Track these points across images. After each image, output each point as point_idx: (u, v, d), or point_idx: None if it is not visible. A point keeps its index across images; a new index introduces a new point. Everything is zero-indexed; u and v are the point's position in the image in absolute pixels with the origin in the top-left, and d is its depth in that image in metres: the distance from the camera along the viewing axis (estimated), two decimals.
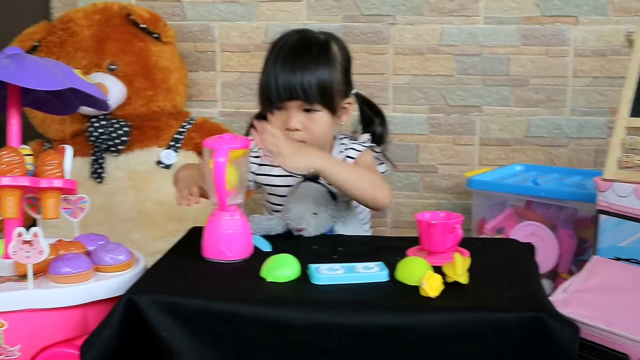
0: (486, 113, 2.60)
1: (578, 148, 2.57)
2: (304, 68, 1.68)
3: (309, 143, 1.73)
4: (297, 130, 1.72)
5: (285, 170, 1.80)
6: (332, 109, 1.72)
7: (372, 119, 1.84)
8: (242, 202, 1.60)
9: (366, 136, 1.81)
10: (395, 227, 2.67)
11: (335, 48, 1.75)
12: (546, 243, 2.23)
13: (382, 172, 1.84)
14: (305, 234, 1.70)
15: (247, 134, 1.86)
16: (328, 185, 1.76)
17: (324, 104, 1.70)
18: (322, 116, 1.72)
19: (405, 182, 2.65)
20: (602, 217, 1.81)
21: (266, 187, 1.84)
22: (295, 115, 1.71)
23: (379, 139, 1.83)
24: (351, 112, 1.81)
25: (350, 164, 1.70)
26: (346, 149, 1.79)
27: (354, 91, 1.82)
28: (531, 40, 2.54)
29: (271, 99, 1.70)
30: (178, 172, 1.79)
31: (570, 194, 2.21)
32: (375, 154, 1.82)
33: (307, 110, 1.71)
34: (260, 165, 1.83)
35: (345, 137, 1.83)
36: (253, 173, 1.83)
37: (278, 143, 1.55)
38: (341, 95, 1.75)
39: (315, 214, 1.71)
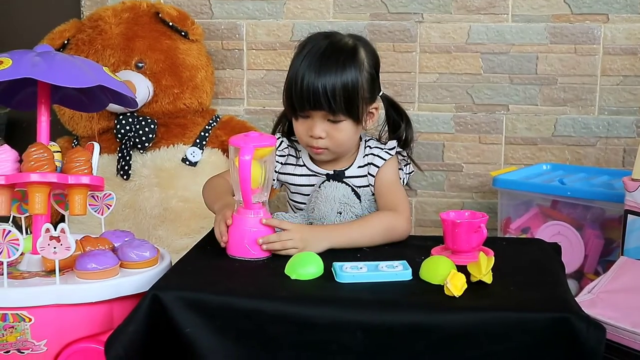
0: (513, 112, 2.58)
1: (606, 147, 2.55)
2: (330, 78, 1.66)
3: (332, 150, 1.73)
4: (320, 138, 1.71)
5: (309, 170, 1.81)
6: (357, 118, 1.71)
7: (399, 123, 1.83)
8: (267, 200, 1.61)
9: (393, 142, 1.79)
10: (419, 226, 2.66)
11: (362, 54, 1.73)
12: (572, 243, 2.21)
13: (408, 173, 1.83)
14: None
15: (273, 132, 1.87)
16: (353, 185, 1.76)
17: (348, 114, 1.69)
18: (346, 125, 1.71)
19: (430, 180, 2.64)
20: (631, 217, 1.79)
21: (290, 186, 1.84)
22: (319, 124, 1.70)
23: (404, 143, 1.82)
24: (377, 116, 1.79)
25: (359, 222, 1.67)
26: (372, 155, 1.78)
27: (380, 93, 1.81)
28: (560, 39, 2.52)
29: (295, 106, 1.70)
30: (208, 188, 1.78)
31: (597, 193, 2.19)
32: (402, 157, 1.81)
33: (332, 121, 1.70)
34: (283, 164, 1.83)
35: (371, 139, 1.82)
36: (276, 172, 1.83)
37: (285, 242, 1.56)
38: (367, 102, 1.74)
39: (339, 213, 1.71)
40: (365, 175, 1.78)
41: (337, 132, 1.71)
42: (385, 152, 1.77)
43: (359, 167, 1.79)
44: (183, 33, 2.47)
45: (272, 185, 1.85)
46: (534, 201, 2.32)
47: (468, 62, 2.57)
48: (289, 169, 1.83)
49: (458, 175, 2.63)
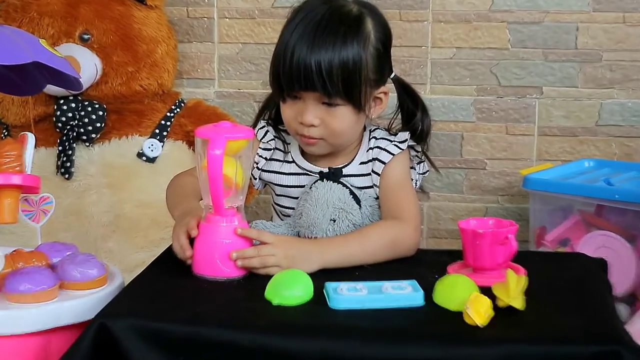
0: (547, 95, 2.58)
1: None
2: (326, 53, 1.65)
3: (329, 142, 1.72)
4: (313, 126, 1.70)
5: (299, 167, 1.80)
6: (358, 104, 1.70)
7: (413, 112, 1.81)
8: (243, 204, 1.60)
9: (405, 134, 1.78)
10: (432, 237, 2.66)
11: (369, 25, 1.71)
12: (622, 258, 2.21)
13: (422, 173, 1.83)
14: None
15: (257, 119, 1.86)
16: (352, 186, 1.75)
17: (347, 98, 1.68)
18: (344, 112, 1.70)
19: (445, 181, 2.64)
20: None
21: (275, 186, 1.84)
22: (311, 108, 1.69)
23: (419, 136, 1.81)
24: (386, 103, 1.78)
25: (358, 234, 1.67)
26: (378, 149, 1.77)
27: (392, 75, 1.80)
28: (605, 5, 2.52)
29: (283, 86, 1.69)
30: (172, 188, 1.78)
31: None
32: (415, 153, 1.80)
33: (327, 104, 1.69)
34: (268, 160, 1.82)
35: (378, 129, 1.81)
36: (259, 169, 1.82)
37: (266, 258, 1.55)
38: (373, 86, 1.73)
39: (333, 220, 1.70)
40: (369, 174, 1.77)
41: (333, 118, 1.70)
42: (395, 145, 1.77)
43: (362, 163, 1.78)
44: None
45: (254, 186, 1.85)
46: (574, 206, 2.32)
47: (492, 33, 2.57)
48: (275, 165, 1.82)
49: (480, 174, 2.63)
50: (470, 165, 2.64)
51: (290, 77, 1.67)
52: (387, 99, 1.78)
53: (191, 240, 1.58)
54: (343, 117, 1.70)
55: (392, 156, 1.76)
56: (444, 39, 2.59)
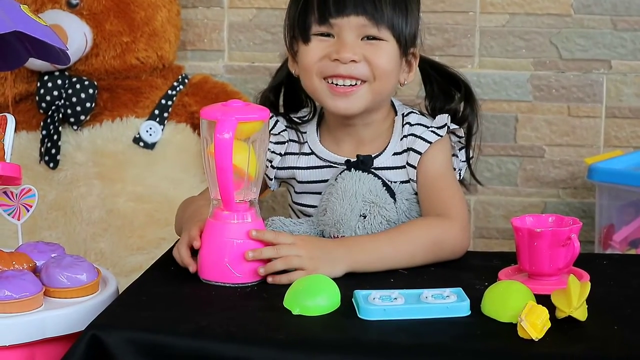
0: (617, 70, 2.57)
1: None
2: None
3: (372, 87, 1.71)
4: (353, 62, 1.70)
5: (320, 158, 1.80)
6: (405, 41, 1.71)
7: (449, 93, 1.82)
8: (257, 198, 1.61)
9: (444, 118, 1.78)
10: (481, 237, 2.66)
11: None
12: None
13: (466, 160, 1.83)
14: None
15: (263, 102, 1.87)
16: (384, 173, 1.76)
17: (396, 28, 1.70)
18: (389, 48, 1.71)
19: (497, 171, 2.64)
20: None
21: (294, 184, 1.84)
22: (351, 42, 1.69)
23: (460, 119, 1.82)
24: (415, 67, 1.79)
25: (392, 233, 1.67)
26: (412, 136, 1.77)
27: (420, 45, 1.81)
28: None
29: (314, 16, 1.69)
30: (182, 208, 1.79)
31: None
32: (457, 138, 1.81)
33: (370, 38, 1.70)
34: (283, 155, 1.83)
35: (412, 112, 1.82)
36: (274, 167, 1.83)
37: (289, 259, 1.55)
38: (415, 28, 1.74)
39: (363, 216, 1.71)
40: (404, 167, 1.77)
41: (377, 54, 1.70)
42: (432, 131, 1.77)
43: (395, 154, 1.78)
44: None
45: (269, 187, 1.86)
46: None
47: None
48: (291, 160, 1.83)
49: (538, 163, 2.63)
50: (526, 153, 2.64)
51: (327, 2, 1.67)
52: (417, 64, 1.79)
53: (196, 252, 1.59)
54: (388, 53, 1.71)
55: (429, 145, 1.76)
56: (495, 3, 2.58)
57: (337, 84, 1.71)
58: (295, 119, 1.84)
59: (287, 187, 1.89)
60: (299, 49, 1.75)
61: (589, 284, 1.42)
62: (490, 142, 2.60)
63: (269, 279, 1.56)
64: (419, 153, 1.76)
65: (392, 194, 1.74)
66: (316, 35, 1.71)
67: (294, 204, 1.87)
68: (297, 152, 1.83)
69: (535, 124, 2.62)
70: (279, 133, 1.82)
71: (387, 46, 1.71)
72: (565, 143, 2.61)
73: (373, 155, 1.78)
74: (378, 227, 1.71)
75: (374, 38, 1.70)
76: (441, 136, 1.77)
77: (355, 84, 1.71)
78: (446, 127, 1.78)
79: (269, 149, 1.81)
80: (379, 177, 1.75)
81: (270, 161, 1.82)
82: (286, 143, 1.83)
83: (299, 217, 1.85)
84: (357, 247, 1.63)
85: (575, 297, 1.38)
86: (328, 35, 1.71)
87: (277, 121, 1.83)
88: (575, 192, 2.61)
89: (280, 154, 1.83)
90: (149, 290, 1.55)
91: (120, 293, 1.57)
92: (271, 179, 1.85)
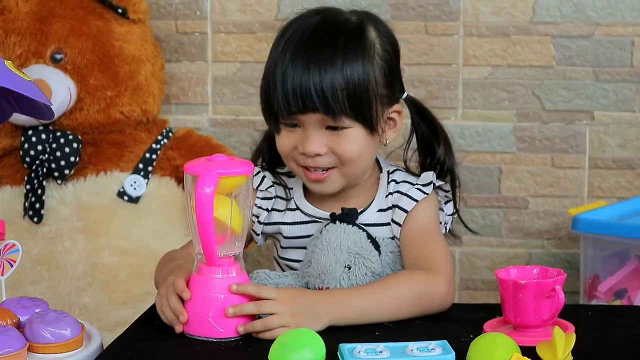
0: (600, 121, 2.58)
1: None
2: (326, 65, 1.66)
3: (342, 171, 1.73)
4: (318, 155, 1.71)
5: (305, 214, 1.80)
6: (370, 122, 1.71)
7: (431, 141, 1.82)
8: (241, 252, 1.61)
9: (430, 175, 1.78)
10: (466, 289, 2.65)
11: (372, 34, 1.74)
12: None
13: (451, 214, 1.83)
14: None
15: (254, 157, 1.87)
16: (368, 229, 1.76)
17: (356, 116, 1.69)
18: (355, 134, 1.71)
19: (481, 222, 2.64)
20: None
21: (280, 239, 1.84)
22: (314, 135, 1.70)
23: (443, 172, 1.82)
24: (400, 124, 1.79)
25: (377, 285, 1.67)
26: (398, 193, 1.77)
27: (404, 95, 1.82)
28: None
29: (276, 111, 1.70)
30: (163, 262, 1.78)
31: None
32: (444, 192, 1.81)
33: (333, 128, 1.70)
34: (269, 211, 1.83)
35: (397, 170, 1.82)
36: (260, 223, 1.83)
37: (269, 320, 1.55)
38: (384, 102, 1.74)
39: (348, 267, 1.71)
40: (389, 223, 1.77)
41: (341, 143, 1.71)
42: (418, 189, 1.77)
43: (380, 210, 1.78)
44: (120, 10, 2.48)
45: (256, 242, 1.86)
46: (631, 251, 2.32)
47: (534, 49, 2.58)
48: (277, 216, 1.83)
49: (522, 214, 2.63)
50: (511, 204, 2.64)
51: (285, 100, 1.68)
52: (402, 119, 1.79)
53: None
54: (353, 139, 1.71)
55: (415, 203, 1.76)
56: (478, 55, 2.60)
57: (309, 169, 1.73)
58: (281, 174, 1.85)
59: (273, 241, 1.89)
60: (273, 133, 1.77)
61: (574, 335, 1.41)
62: (475, 194, 2.60)
63: (249, 330, 1.55)
64: (405, 211, 1.76)
65: (376, 247, 1.74)
66: (285, 126, 1.73)
67: (279, 258, 1.86)
68: (283, 208, 1.83)
69: (519, 175, 2.62)
70: (266, 189, 1.82)
71: (352, 132, 1.71)
72: (549, 194, 2.62)
73: (358, 210, 1.78)
74: (363, 278, 1.71)
75: (335, 128, 1.70)
76: (427, 194, 1.77)
77: (327, 169, 1.73)
78: (432, 184, 1.77)
79: (255, 205, 1.81)
80: (364, 230, 1.75)
81: (257, 216, 1.82)
82: (273, 199, 1.83)
83: (284, 271, 1.84)
84: (340, 299, 1.62)
85: (560, 349, 1.38)
86: (295, 125, 1.72)
87: (264, 177, 1.83)
88: (559, 243, 2.61)
89: (267, 210, 1.83)
90: (134, 345, 1.54)
91: (104, 348, 1.56)
92: (258, 234, 1.84)
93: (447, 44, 2.60)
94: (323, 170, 1.73)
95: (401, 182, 1.79)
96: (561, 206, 2.60)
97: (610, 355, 1.48)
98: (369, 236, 1.75)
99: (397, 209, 1.77)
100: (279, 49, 1.71)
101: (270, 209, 1.83)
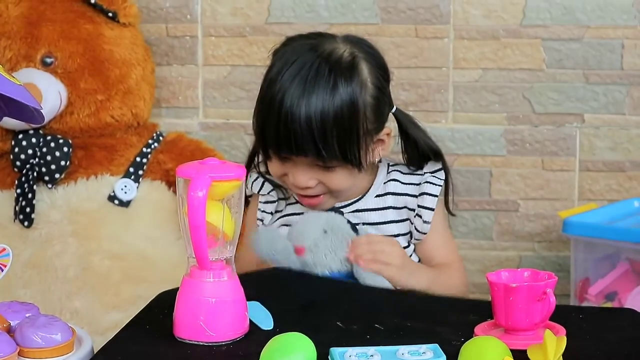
0: (590, 124, 2.59)
1: None
2: (317, 114, 1.71)
3: (334, 195, 1.81)
4: (308, 188, 1.77)
5: (304, 207, 1.84)
6: (357, 163, 1.77)
7: (415, 154, 1.89)
8: (233, 256, 1.60)
9: (437, 165, 1.88)
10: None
11: (365, 71, 1.78)
12: None
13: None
14: (309, 259, 1.74)
15: (249, 164, 1.88)
16: (365, 215, 1.83)
17: (345, 159, 1.76)
18: (344, 170, 1.78)
19: (471, 225, 2.64)
20: None
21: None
22: (304, 172, 1.77)
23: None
24: (389, 142, 1.86)
25: (433, 271, 1.84)
26: (419, 183, 1.86)
27: (393, 109, 1.86)
28: None
29: (268, 145, 1.75)
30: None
31: None
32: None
33: (322, 166, 1.76)
34: (274, 214, 1.85)
35: (396, 166, 1.87)
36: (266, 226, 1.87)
37: (382, 250, 1.71)
38: (373, 134, 1.80)
39: (325, 232, 1.75)
40: (386, 208, 1.81)
41: (331, 179, 1.78)
42: (435, 178, 1.87)
43: (378, 196, 1.83)
44: (110, 14, 2.48)
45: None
46: (621, 254, 2.33)
47: (524, 52, 2.58)
48: (280, 220, 1.87)
49: (512, 217, 2.63)
50: (501, 207, 2.64)
51: (277, 140, 1.72)
52: (391, 137, 1.84)
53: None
54: (342, 175, 1.77)
55: (438, 189, 1.86)
56: (468, 58, 2.60)
57: (301, 195, 1.81)
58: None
59: None
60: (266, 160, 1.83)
61: (565, 338, 1.42)
62: (465, 197, 2.61)
63: (361, 263, 1.68)
64: (435, 196, 1.86)
65: (355, 231, 1.80)
66: (275, 155, 1.77)
67: None
68: (284, 206, 1.89)
69: (509, 178, 2.62)
70: (268, 193, 1.86)
71: (340, 170, 1.77)
72: (540, 197, 2.62)
73: (355, 199, 1.85)
74: (338, 244, 1.77)
75: (326, 167, 1.76)
76: (439, 184, 1.87)
77: (319, 195, 1.80)
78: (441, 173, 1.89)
79: (259, 209, 1.84)
80: (349, 222, 1.81)
81: (262, 220, 1.86)
82: (276, 202, 1.87)
83: None
84: (419, 267, 1.81)
85: (551, 352, 1.39)
86: (285, 158, 1.77)
87: (263, 182, 1.86)
88: (550, 246, 2.61)
89: (271, 213, 1.86)
90: (125, 348, 1.54)
91: (95, 352, 1.56)
92: None
93: (437, 47, 2.60)
94: (315, 196, 1.80)
95: (401, 172, 1.88)
96: (552, 209, 2.61)
97: (601, 357, 1.49)
98: (350, 223, 1.81)
99: (426, 196, 1.85)
100: (271, 87, 1.74)
101: (274, 211, 1.85)
